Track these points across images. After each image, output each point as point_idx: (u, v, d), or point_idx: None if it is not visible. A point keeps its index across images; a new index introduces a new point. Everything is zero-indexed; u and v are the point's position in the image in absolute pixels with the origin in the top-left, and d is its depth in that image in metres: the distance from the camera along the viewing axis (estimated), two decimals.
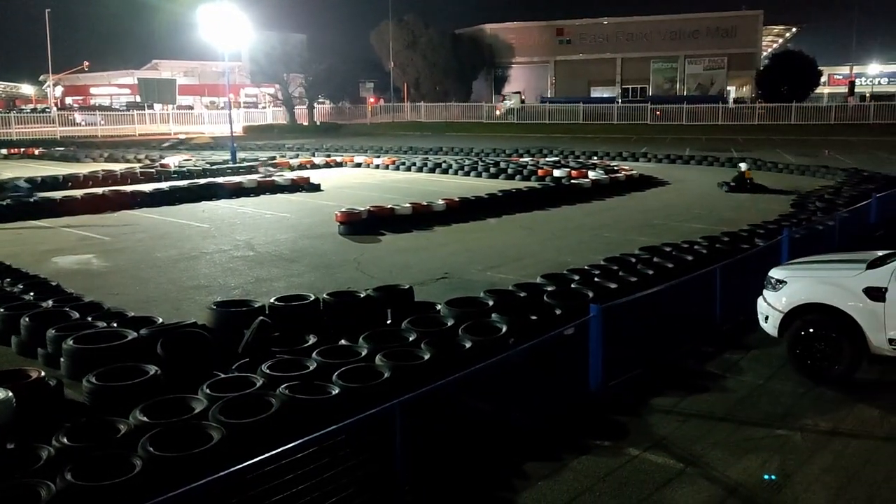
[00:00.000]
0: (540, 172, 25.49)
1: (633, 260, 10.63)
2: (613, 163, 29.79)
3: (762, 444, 6.03)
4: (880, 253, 7.79)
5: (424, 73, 70.06)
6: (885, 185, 18.88)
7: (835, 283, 7.38)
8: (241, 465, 4.05)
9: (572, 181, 23.14)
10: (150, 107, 60.64)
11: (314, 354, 6.55)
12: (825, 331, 7.25)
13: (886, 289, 6.94)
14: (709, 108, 56.76)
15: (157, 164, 28.55)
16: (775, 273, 7.99)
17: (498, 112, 45.03)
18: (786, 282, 7.72)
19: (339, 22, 73.33)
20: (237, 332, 7.26)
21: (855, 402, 6.80)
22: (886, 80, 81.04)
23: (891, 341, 6.94)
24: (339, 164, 31.33)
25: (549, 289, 8.83)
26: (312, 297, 8.25)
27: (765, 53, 73.47)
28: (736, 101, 64.60)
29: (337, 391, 5.76)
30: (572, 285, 9.09)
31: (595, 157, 32.29)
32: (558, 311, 7.90)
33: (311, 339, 7.14)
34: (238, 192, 21.69)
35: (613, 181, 23.29)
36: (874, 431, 6.25)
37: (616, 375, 7.03)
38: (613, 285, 8.99)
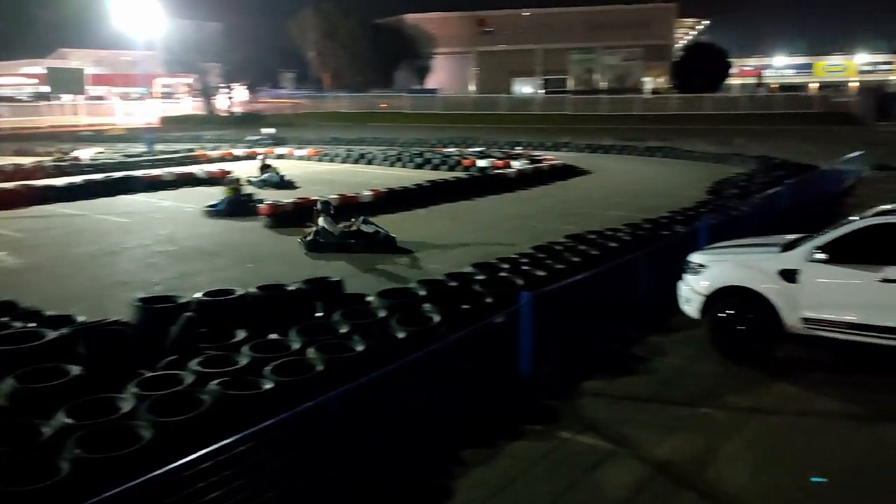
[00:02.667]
0: (465, 163, 25.65)
1: (560, 248, 10.83)
2: (536, 153, 30.22)
3: (687, 422, 6.27)
4: (792, 237, 8.18)
5: (345, 63, 69.26)
6: (795, 172, 19.80)
7: (751, 267, 7.72)
8: (176, 464, 3.96)
9: (497, 171, 23.38)
10: (58, 97, 57.97)
11: (244, 349, 6.43)
12: (743, 312, 7.57)
13: (799, 270, 7.30)
14: (627, 98, 58.28)
15: (68, 157, 27.35)
16: (695, 258, 8.29)
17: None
18: (705, 266, 8.03)
19: (256, 11, 71.45)
20: (163, 329, 7.05)
21: (772, 379, 7.13)
22: (793, 71, 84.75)
23: (804, 320, 7.31)
24: None
25: (480, 278, 8.90)
26: (240, 292, 8.08)
27: (678, 45, 75.75)
28: (652, 91, 66.47)
29: (270, 385, 5.67)
30: (502, 274, 9.19)
31: (518, 148, 32.67)
32: (489, 300, 7.98)
33: (241, 335, 7.00)
34: (156, 185, 21.03)
35: (537, 171, 23.65)
36: (791, 407, 6.58)
37: (547, 361, 7.17)
38: (542, 273, 9.13)
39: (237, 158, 29.47)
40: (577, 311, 7.86)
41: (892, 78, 76.23)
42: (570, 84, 70.94)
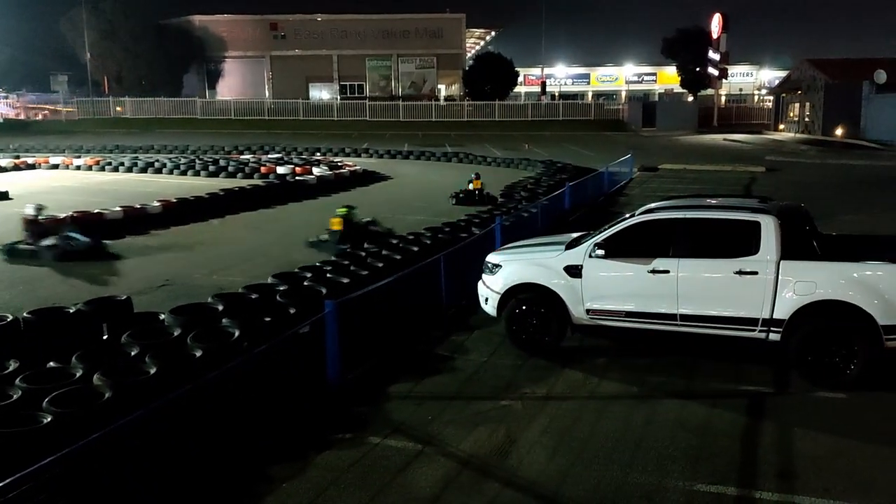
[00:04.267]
0: (263, 170, 25.01)
1: (363, 254, 10.88)
2: (337, 159, 30.15)
3: (489, 415, 6.54)
4: (575, 235, 8.82)
5: (127, 66, 64.59)
6: (576, 175, 21.38)
7: (541, 264, 8.22)
8: None
9: (297, 178, 23.03)
10: None
11: (17, 381, 5.80)
12: (535, 307, 8.06)
13: (582, 266, 7.89)
14: (423, 105, 59.82)
15: None
16: (491, 258, 8.69)
17: None
18: (500, 265, 8.44)
19: (20, 8, 64.53)
20: None
21: (563, 368, 7.65)
22: (571, 80, 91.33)
23: (588, 311, 7.91)
24: (32, 167, 27.96)
25: (282, 288, 8.71)
26: (10, 317, 7.29)
27: (469, 54, 78.98)
28: (446, 98, 68.74)
29: (49, 419, 5.16)
30: (305, 283, 9.06)
31: (318, 154, 32.40)
32: (293, 311, 7.82)
33: (13, 365, 6.30)
34: None
35: (338, 177, 23.60)
36: (579, 392, 7.10)
37: (354, 367, 7.18)
38: (346, 280, 9.12)
39: (3, 169, 26.56)
40: (382, 315, 7.95)
41: (654, 88, 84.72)
42: (368, 90, 71.55)
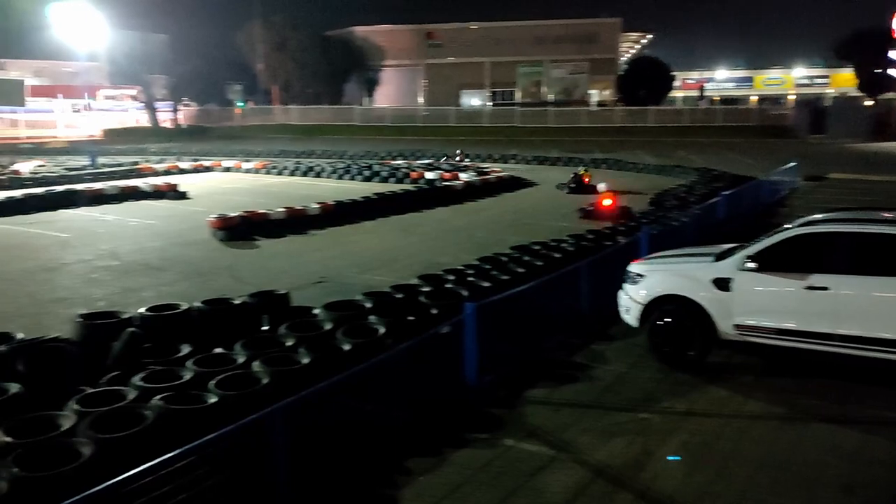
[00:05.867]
0: (413, 175, 25.79)
1: (505, 259, 11.01)
2: (484, 165, 30.53)
3: (626, 427, 6.47)
4: (726, 246, 8.50)
5: (294, 76, 68.80)
6: (733, 184, 20.44)
7: (687, 276, 8.00)
8: (114, 480, 3.95)
9: (445, 183, 23.57)
10: None
11: (189, 364, 6.42)
12: (680, 320, 7.84)
13: (732, 279, 7.60)
14: (574, 111, 59.33)
15: (7, 170, 26.63)
16: (634, 267, 8.55)
17: None
18: (644, 275, 8.29)
19: (203, 22, 70.37)
20: (105, 345, 6.98)
21: (706, 384, 7.40)
22: (733, 84, 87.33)
23: (736, 327, 7.60)
24: (208, 169, 30.40)
25: (426, 289, 9.01)
26: (185, 306, 8.04)
27: (623, 59, 77.44)
28: (598, 104, 67.76)
29: (214, 399, 5.68)
30: (447, 285, 9.32)
31: (467, 160, 32.98)
32: (434, 311, 8.09)
33: (185, 349, 6.97)
34: (99, 198, 20.62)
35: (485, 183, 23.91)
36: (722, 410, 6.84)
37: (491, 370, 7.32)
38: (487, 284, 9.28)
39: (183, 171, 29.07)
40: (522, 320, 8.04)
41: (828, 91, 79.23)
42: (518, 96, 71.87)
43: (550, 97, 70.33)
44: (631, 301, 8.31)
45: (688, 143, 44.08)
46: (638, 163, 30.43)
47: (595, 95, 71.30)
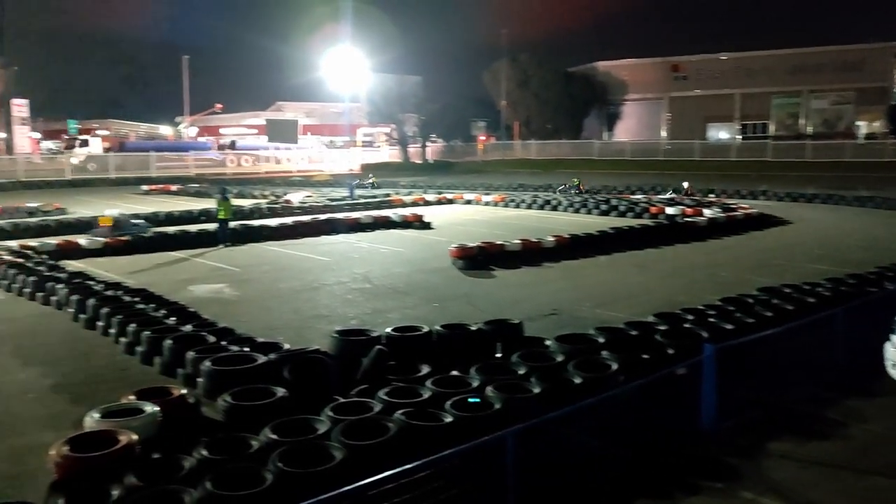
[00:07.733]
0: (652, 210, 25.15)
1: (751, 300, 10.37)
2: (731, 201, 28.95)
3: (886, 495, 5.79)
4: None
5: (535, 111, 70.52)
6: None
7: None
8: (362, 482, 4.34)
9: (686, 219, 22.70)
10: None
11: (428, 383, 6.83)
12: None
13: None
14: (836, 144, 54.28)
15: (281, 200, 30.11)
16: None
17: (76, 161, 43.86)
18: None
19: (453, 63, 74.81)
20: (356, 359, 7.66)
21: None
22: None
23: None
24: (450, 201, 31.99)
25: (662, 328, 8.77)
26: (426, 329, 8.57)
27: None
28: (866, 136, 61.35)
29: (450, 419, 5.99)
30: (686, 325, 8.98)
31: (711, 195, 31.52)
32: (670, 351, 7.85)
33: (425, 369, 7.43)
34: (355, 227, 22.58)
35: (731, 220, 22.65)
36: None
37: (729, 417, 6.93)
38: (729, 326, 8.82)
39: (428, 203, 30.89)
40: (766, 367, 7.54)
41: None
42: (772, 129, 67.25)
43: (809, 129, 64.96)
44: None
45: None
46: None
47: (863, 127, 64.63)
